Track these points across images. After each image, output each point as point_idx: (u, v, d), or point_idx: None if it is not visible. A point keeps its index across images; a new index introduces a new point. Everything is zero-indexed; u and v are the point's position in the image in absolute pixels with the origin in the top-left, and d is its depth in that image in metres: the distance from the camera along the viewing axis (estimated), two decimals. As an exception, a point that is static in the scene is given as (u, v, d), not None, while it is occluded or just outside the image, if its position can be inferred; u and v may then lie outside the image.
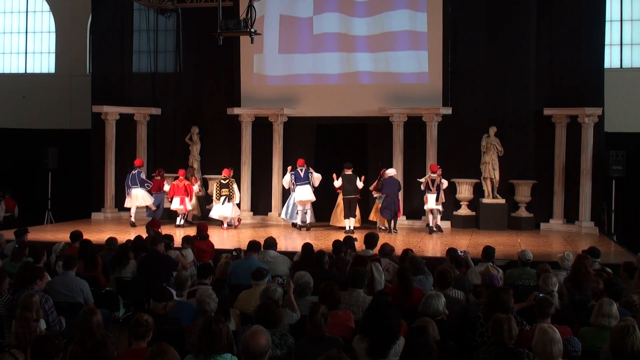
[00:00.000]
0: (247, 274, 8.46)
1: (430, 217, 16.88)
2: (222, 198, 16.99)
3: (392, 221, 16.60)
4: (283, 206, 17.62)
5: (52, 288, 8.16)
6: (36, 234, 15.12)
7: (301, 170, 16.88)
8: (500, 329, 5.61)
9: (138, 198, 17.54)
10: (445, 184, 16.78)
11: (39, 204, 20.16)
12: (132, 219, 17.50)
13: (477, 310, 6.88)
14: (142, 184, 17.50)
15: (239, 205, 17.76)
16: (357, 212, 17.05)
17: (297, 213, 17.09)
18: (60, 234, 15.41)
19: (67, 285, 8.20)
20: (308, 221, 17.01)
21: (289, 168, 17.22)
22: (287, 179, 17.12)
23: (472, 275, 9.20)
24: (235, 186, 17.27)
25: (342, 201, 16.92)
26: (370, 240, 10.12)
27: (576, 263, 8.54)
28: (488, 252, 9.84)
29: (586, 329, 6.39)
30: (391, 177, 16.58)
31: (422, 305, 6.67)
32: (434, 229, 16.74)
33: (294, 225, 17.16)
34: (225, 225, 17.22)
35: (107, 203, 19.29)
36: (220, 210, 17.10)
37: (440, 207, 16.80)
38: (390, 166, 17.74)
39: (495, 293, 6.64)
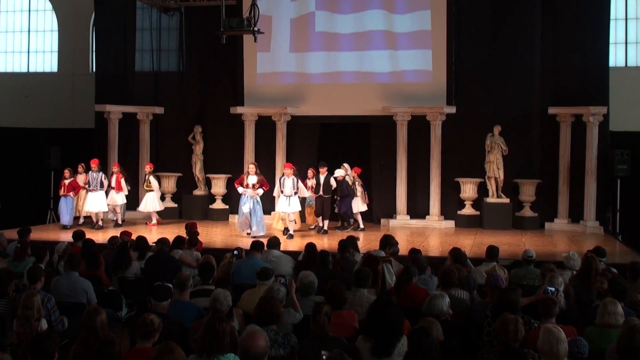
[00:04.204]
0: (251, 273, 8.47)
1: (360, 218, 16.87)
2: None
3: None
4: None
5: (55, 288, 8.16)
6: (38, 234, 15.13)
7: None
8: (507, 329, 5.58)
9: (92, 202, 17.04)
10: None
11: (41, 204, 20.16)
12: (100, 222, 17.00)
13: (482, 310, 6.87)
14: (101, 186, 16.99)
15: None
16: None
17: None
18: (62, 234, 15.43)
19: (70, 285, 8.18)
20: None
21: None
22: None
23: (476, 275, 9.19)
24: (150, 178, 17.52)
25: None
26: (388, 241, 10.05)
27: (585, 263, 8.51)
28: (492, 251, 9.82)
29: (591, 329, 6.37)
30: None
31: (426, 305, 6.65)
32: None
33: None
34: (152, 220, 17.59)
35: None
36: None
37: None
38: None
39: (504, 292, 6.63)
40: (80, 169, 17.43)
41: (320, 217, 16.41)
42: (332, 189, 16.37)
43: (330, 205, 16.58)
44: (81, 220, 17.43)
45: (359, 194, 16.76)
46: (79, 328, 5.89)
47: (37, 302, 6.80)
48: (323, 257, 9.21)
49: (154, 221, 17.62)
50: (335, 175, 16.47)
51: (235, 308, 6.99)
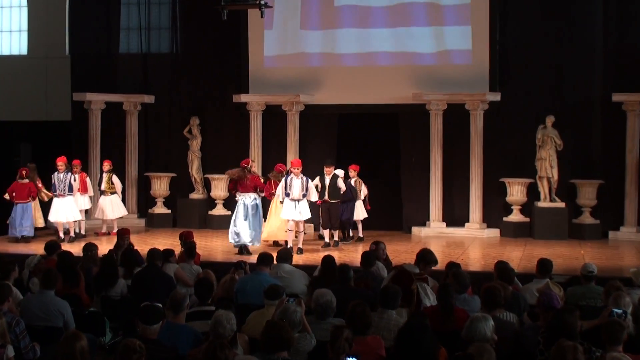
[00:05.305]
0: (258, 291, 8.46)
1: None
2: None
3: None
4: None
5: (26, 309, 8.18)
6: (5, 245, 15.22)
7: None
8: (563, 358, 5.55)
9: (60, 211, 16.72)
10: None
11: (8, 210, 20.24)
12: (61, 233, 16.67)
13: (533, 335, 6.83)
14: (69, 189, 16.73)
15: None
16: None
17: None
18: (34, 245, 15.50)
19: (43, 306, 8.20)
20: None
21: None
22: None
23: (526, 293, 9.15)
24: (114, 178, 17.71)
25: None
26: (426, 257, 9.98)
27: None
28: (545, 265, 9.76)
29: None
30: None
31: (466, 329, 6.62)
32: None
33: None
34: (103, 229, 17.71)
35: (92, 208, 19.20)
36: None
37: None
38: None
39: (559, 315, 6.59)
40: (24, 172, 16.89)
41: (328, 229, 16.09)
42: (341, 192, 15.97)
43: (338, 212, 16.06)
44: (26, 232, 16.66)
45: (363, 196, 16.73)
46: (55, 357, 5.90)
47: (1, 325, 6.81)
48: (343, 272, 9.18)
49: (116, 229, 17.59)
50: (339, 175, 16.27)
51: (239, 333, 6.99)
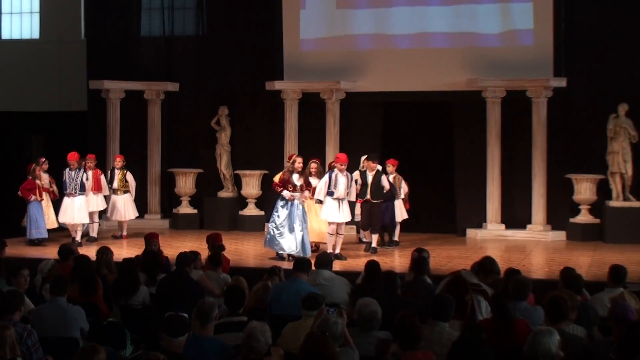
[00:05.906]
0: (294, 301, 8.47)
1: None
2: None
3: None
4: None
5: (38, 319, 8.26)
6: (16, 248, 15.38)
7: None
8: (639, 377, 5.52)
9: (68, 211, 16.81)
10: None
11: (19, 209, 20.47)
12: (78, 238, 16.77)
13: (605, 351, 6.78)
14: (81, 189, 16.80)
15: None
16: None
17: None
18: (47, 249, 15.64)
19: (57, 315, 8.29)
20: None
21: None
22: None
23: (596, 304, 9.08)
24: (128, 176, 17.68)
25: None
26: (487, 267, 9.88)
27: None
28: (618, 273, 9.68)
29: None
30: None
31: (529, 344, 6.58)
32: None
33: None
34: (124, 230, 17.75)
35: (109, 207, 19.34)
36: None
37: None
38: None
39: (633, 328, 6.54)
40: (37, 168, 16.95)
41: (368, 231, 16.06)
42: (385, 192, 15.77)
43: (380, 213, 15.85)
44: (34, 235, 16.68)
45: (403, 194, 16.67)
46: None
47: (10, 337, 6.84)
48: (389, 280, 9.17)
49: (125, 232, 17.78)
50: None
51: (274, 347, 7.01)
